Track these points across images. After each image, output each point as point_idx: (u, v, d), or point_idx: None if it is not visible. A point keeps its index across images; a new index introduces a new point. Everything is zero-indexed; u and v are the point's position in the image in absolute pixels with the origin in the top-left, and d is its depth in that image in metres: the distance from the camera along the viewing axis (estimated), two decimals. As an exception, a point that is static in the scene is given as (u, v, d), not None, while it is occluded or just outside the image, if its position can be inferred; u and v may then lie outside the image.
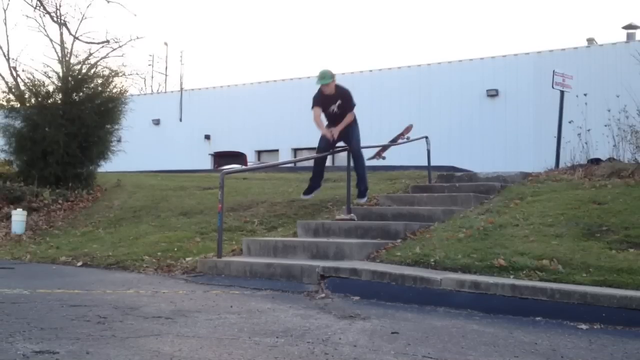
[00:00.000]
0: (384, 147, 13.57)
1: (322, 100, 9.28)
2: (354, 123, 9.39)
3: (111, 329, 4.51)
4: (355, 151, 9.38)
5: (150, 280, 7.30)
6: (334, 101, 9.26)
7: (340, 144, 9.54)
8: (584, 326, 4.97)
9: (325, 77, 9.07)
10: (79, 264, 8.82)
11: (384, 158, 13.31)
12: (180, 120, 31.65)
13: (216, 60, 77.05)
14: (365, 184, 9.49)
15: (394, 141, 13.55)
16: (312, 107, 9.37)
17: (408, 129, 13.23)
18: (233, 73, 76.70)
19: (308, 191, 9.83)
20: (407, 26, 73.54)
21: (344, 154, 9.80)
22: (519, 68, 23.93)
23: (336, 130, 9.19)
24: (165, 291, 6.46)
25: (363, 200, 9.56)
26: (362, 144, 9.64)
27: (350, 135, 9.35)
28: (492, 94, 24.32)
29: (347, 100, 9.25)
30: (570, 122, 11.60)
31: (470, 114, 24.54)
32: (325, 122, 9.47)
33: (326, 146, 9.39)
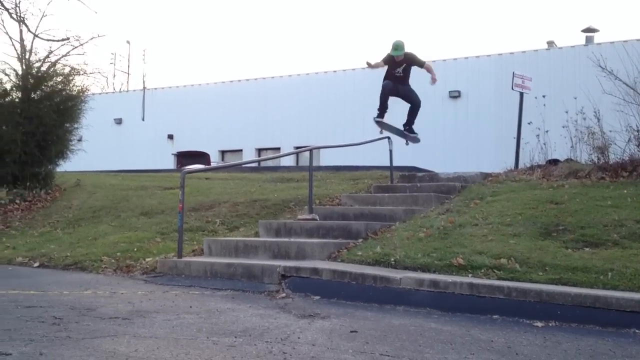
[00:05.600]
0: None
1: (391, 62, 11.12)
2: (409, 86, 11.38)
3: (67, 330, 4.44)
4: (414, 103, 11.48)
5: (109, 281, 7.21)
6: (400, 65, 11.12)
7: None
8: (539, 324, 5.05)
9: (399, 48, 10.85)
10: (36, 264, 8.66)
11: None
12: (143, 119, 31.30)
13: (179, 60, 76.43)
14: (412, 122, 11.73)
15: None
16: (383, 60, 11.19)
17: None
18: (197, 72, 76.17)
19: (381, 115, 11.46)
20: (371, 28, 73.94)
21: (306, 154, 9.82)
22: (481, 70, 24.24)
23: (435, 78, 11.13)
24: (123, 292, 6.38)
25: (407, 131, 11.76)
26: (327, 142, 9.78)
27: (408, 91, 11.36)
28: (455, 95, 24.59)
29: (414, 61, 11.17)
30: (529, 124, 11.78)
31: (433, 114, 24.69)
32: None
33: (394, 87, 11.21)
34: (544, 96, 12.24)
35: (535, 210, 7.90)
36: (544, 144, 11.28)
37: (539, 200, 8.38)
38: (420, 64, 11.19)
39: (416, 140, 11.96)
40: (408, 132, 11.76)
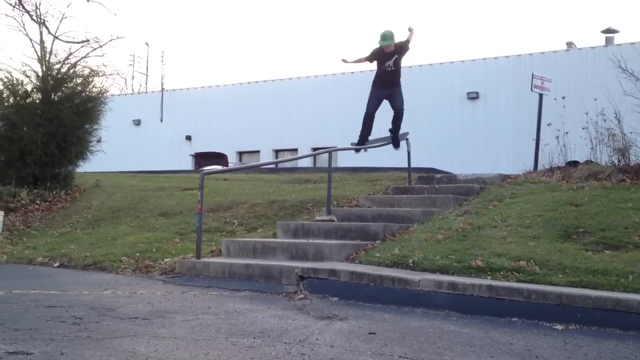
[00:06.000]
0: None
1: (380, 56, 10.04)
2: (399, 88, 10.33)
3: (87, 329, 4.48)
4: (399, 111, 10.41)
5: (128, 281, 7.25)
6: (390, 57, 10.03)
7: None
8: (559, 326, 5.01)
9: (387, 38, 9.83)
10: (56, 264, 8.74)
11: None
12: (161, 120, 31.49)
13: (198, 61, 76.78)
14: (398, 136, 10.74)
15: None
16: (367, 57, 10.18)
17: None
18: (215, 74, 76.46)
19: (360, 142, 10.70)
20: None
21: (325, 156, 9.84)
22: (499, 71, 24.12)
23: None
24: (142, 292, 6.42)
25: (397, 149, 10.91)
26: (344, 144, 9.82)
27: (397, 95, 10.30)
28: (473, 96, 24.50)
29: (404, 47, 10.09)
30: (548, 125, 11.69)
31: (451, 116, 24.70)
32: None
33: (375, 108, 10.32)
34: (563, 97, 12.14)
35: (554, 212, 7.84)
36: (564, 145, 11.19)
37: (558, 202, 8.31)
38: (408, 44, 10.20)
39: (403, 137, 11.03)
40: (394, 139, 10.85)
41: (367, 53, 10.16)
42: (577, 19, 68.82)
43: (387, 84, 10.24)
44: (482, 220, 7.88)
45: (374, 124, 10.47)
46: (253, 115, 28.55)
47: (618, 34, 24.53)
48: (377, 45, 9.99)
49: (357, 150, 10.97)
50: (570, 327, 5.01)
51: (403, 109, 10.44)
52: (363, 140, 10.60)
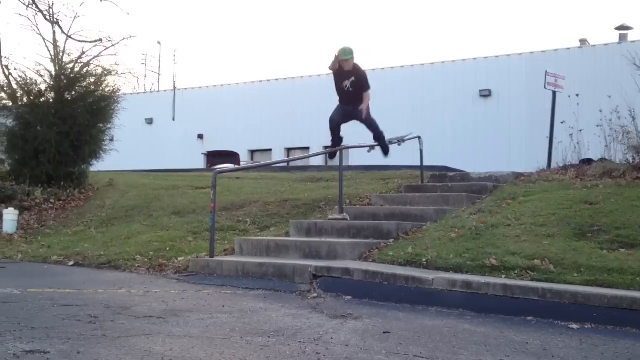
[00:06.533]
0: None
1: (340, 71, 9.41)
2: (369, 116, 9.62)
3: (102, 328, 4.50)
4: (374, 136, 9.93)
5: (142, 280, 7.28)
6: (348, 77, 9.40)
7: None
8: (575, 326, 4.98)
9: (347, 52, 9.24)
10: (71, 263, 8.79)
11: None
12: (174, 119, 31.59)
13: (209, 60, 76.95)
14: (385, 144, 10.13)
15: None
16: (331, 64, 9.48)
17: None
18: (226, 72, 76.62)
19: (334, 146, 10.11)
20: (400, 27, 73.63)
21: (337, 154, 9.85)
22: (512, 69, 24.01)
23: (365, 108, 9.35)
24: (157, 291, 6.44)
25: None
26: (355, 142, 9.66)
27: (367, 121, 9.67)
28: (485, 94, 24.40)
29: (363, 79, 9.41)
30: (562, 123, 11.62)
31: (463, 114, 24.61)
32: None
33: (340, 120, 9.64)
34: (577, 95, 12.06)
35: (569, 210, 7.80)
36: (578, 143, 11.13)
37: (572, 200, 8.26)
38: (366, 87, 9.37)
39: (395, 141, 10.62)
40: (382, 148, 10.20)
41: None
42: (590, 16, 68.38)
43: (349, 100, 9.47)
44: (495, 219, 7.86)
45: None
46: (265, 113, 28.58)
47: (632, 30, 24.36)
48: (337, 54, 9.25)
49: (372, 148, 10.63)
50: (586, 326, 4.98)
51: (380, 133, 9.93)
52: (335, 144, 9.95)
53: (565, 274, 5.90)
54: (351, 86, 9.39)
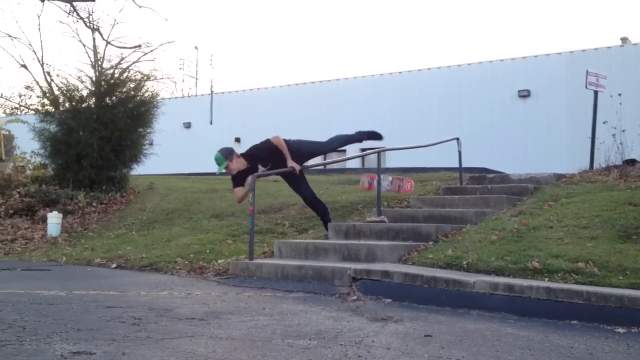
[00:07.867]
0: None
1: (240, 176, 8.40)
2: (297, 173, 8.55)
3: (146, 330, 4.56)
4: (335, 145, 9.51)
5: (183, 282, 7.36)
6: (255, 164, 8.40)
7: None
8: (621, 330, 4.88)
9: (219, 163, 8.25)
10: (113, 265, 8.94)
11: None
12: (211, 123, 31.88)
13: (246, 63, 77.50)
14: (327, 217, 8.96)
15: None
16: (233, 189, 8.61)
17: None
18: (263, 76, 77.08)
19: None
20: (438, 27, 73.14)
21: (373, 156, 9.82)
22: (551, 68, 23.65)
23: (297, 166, 8.55)
24: (198, 293, 6.51)
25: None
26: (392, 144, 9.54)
27: (300, 179, 8.81)
28: (524, 94, 24.08)
29: (261, 150, 8.39)
30: (604, 123, 11.42)
31: (502, 114, 24.34)
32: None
33: (296, 187, 9.00)
34: (619, 94, 11.84)
35: (612, 212, 7.65)
36: (620, 143, 10.93)
37: (616, 201, 8.10)
38: (267, 147, 8.45)
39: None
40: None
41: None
42: (632, 13, 66.99)
43: (278, 166, 8.55)
44: (537, 221, 7.74)
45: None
46: (300, 116, 28.66)
47: (675, 27, 23.80)
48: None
49: None
50: (633, 330, 4.87)
51: (336, 145, 9.61)
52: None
53: (610, 276, 5.78)
54: (265, 165, 8.39)
